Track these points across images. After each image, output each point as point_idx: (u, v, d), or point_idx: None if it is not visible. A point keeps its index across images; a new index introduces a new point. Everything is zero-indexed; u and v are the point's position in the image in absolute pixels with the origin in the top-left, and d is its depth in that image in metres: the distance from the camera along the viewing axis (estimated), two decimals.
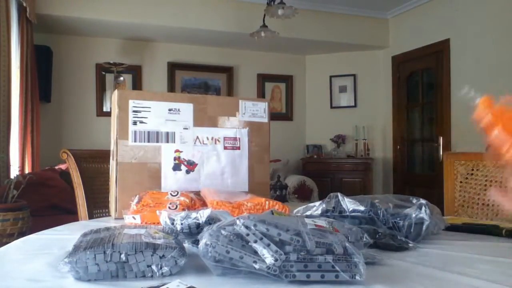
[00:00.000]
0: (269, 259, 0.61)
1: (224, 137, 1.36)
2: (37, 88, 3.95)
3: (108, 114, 4.41)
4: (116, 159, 1.25)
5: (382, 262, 0.75)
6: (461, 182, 1.66)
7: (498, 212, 1.61)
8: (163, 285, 0.59)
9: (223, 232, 0.65)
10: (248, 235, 0.64)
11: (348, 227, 0.78)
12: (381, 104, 5.46)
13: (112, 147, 1.30)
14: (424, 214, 0.91)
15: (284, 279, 0.63)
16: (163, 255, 0.66)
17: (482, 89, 3.07)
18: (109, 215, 1.34)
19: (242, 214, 1.02)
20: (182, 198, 1.13)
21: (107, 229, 0.78)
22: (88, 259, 0.64)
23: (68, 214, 2.54)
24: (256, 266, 0.62)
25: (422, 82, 4.98)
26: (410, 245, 0.85)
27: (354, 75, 5.57)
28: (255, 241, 0.63)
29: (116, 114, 1.26)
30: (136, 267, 0.66)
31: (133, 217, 1.05)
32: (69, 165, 1.57)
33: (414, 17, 4.94)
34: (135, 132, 1.26)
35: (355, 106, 5.58)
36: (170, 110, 1.30)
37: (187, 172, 1.31)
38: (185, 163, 1.31)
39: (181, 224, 0.81)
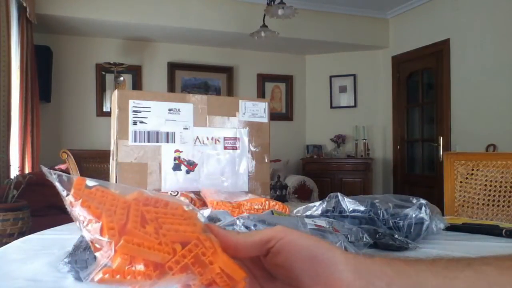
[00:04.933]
0: None
1: (224, 137, 1.36)
2: (37, 88, 3.95)
3: (108, 114, 4.41)
4: (116, 159, 1.25)
5: None
6: (461, 182, 1.66)
7: (498, 212, 1.61)
8: None
9: None
10: None
11: (348, 227, 0.78)
12: (381, 104, 5.46)
13: (112, 147, 1.30)
14: (424, 214, 0.91)
15: None
16: None
17: (482, 89, 3.10)
18: None
19: (242, 214, 1.02)
20: (182, 198, 1.13)
21: None
22: (88, 259, 0.64)
23: (68, 214, 2.53)
24: None
25: (422, 82, 4.98)
26: (410, 245, 0.85)
27: (354, 75, 5.57)
28: None
29: (116, 114, 1.26)
30: None
31: None
32: (69, 165, 1.57)
33: (414, 17, 4.94)
34: (135, 132, 1.26)
35: (355, 106, 5.58)
36: (170, 110, 1.30)
37: (187, 172, 1.31)
38: (185, 163, 1.31)
39: None
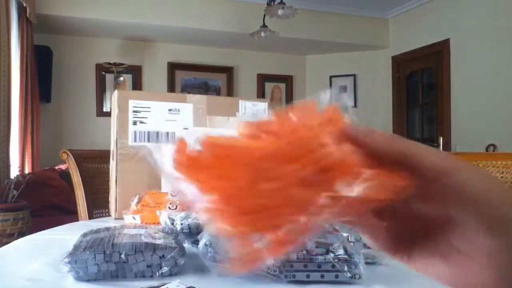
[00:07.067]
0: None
1: None
2: (37, 88, 3.95)
3: (108, 114, 4.42)
4: (116, 159, 1.25)
5: (382, 262, 0.75)
6: None
7: None
8: (163, 285, 0.59)
9: None
10: None
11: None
12: (381, 104, 5.46)
13: (112, 147, 1.30)
14: None
15: (283, 279, 0.63)
16: (163, 255, 0.66)
17: (482, 89, 3.09)
18: (109, 215, 1.34)
19: None
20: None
21: (107, 229, 0.78)
22: (88, 259, 0.64)
23: (68, 214, 2.54)
24: None
25: (422, 82, 4.97)
26: None
27: (354, 75, 5.57)
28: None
29: (116, 114, 1.26)
30: (136, 267, 0.66)
31: (133, 217, 1.04)
32: (69, 165, 1.57)
33: (414, 17, 4.94)
34: (135, 132, 1.26)
35: (355, 106, 5.58)
36: (170, 110, 1.30)
37: None
38: None
39: (181, 224, 0.81)
